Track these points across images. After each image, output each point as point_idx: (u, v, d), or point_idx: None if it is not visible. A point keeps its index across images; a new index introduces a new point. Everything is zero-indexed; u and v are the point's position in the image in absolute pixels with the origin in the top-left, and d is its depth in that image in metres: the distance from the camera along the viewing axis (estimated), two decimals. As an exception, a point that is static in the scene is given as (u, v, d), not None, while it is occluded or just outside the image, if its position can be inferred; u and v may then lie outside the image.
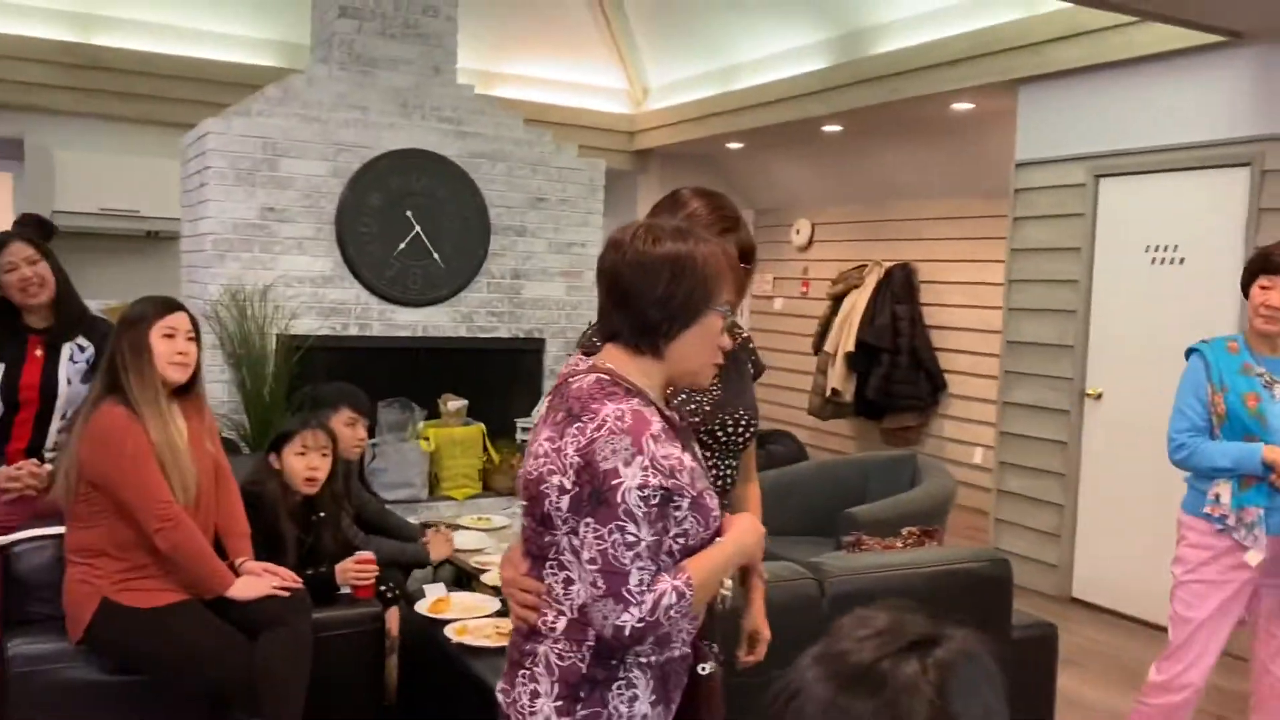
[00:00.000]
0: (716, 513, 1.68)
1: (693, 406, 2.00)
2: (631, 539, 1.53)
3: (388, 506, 4.43)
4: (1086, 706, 4.03)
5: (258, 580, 2.80)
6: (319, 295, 5.29)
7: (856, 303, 8.01)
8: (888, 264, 7.97)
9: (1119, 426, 5.18)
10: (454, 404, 5.28)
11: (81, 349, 3.30)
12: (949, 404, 7.74)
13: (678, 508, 1.59)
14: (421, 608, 3.00)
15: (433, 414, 5.37)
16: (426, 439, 5.19)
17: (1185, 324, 4.79)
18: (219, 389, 5.06)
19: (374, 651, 3.09)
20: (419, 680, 3.10)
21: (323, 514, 3.30)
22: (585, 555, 1.54)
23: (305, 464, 3.22)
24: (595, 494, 1.54)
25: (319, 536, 3.27)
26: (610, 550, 1.53)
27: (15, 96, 6.73)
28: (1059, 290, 5.46)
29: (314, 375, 4.88)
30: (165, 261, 6.91)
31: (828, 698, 0.87)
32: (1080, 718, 3.87)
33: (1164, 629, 4.85)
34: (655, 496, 1.55)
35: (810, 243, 9.12)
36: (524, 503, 1.68)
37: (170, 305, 2.81)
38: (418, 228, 5.40)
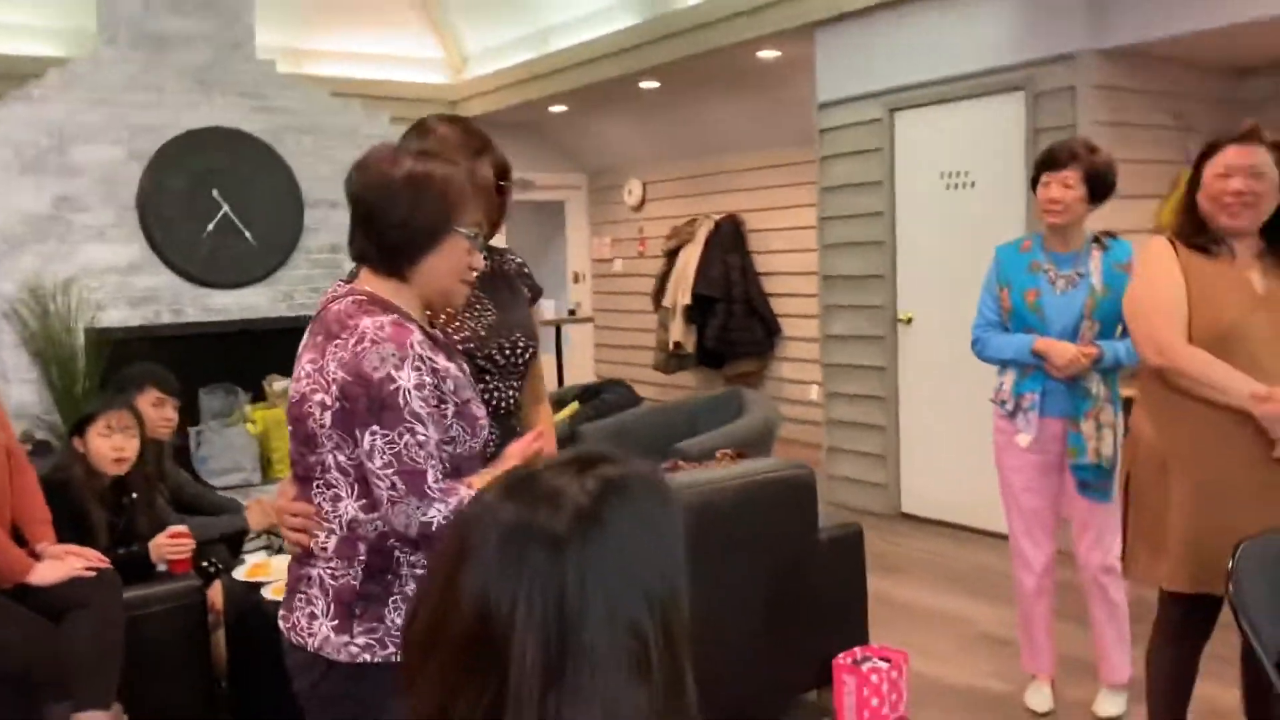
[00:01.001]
0: (484, 422, 1.73)
1: (467, 332, 2.04)
2: (422, 438, 1.56)
3: (219, 492, 4.35)
4: (913, 608, 4.28)
5: (59, 563, 2.72)
6: (127, 284, 5.11)
7: (690, 257, 8.19)
8: (716, 217, 8.17)
9: (930, 347, 5.47)
10: (280, 384, 5.19)
11: None
12: (785, 346, 8.01)
13: (444, 414, 1.63)
14: (240, 575, 2.97)
15: (259, 396, 5.27)
16: (253, 422, 5.09)
17: (979, 244, 5.06)
18: (26, 390, 4.85)
19: (195, 626, 3.04)
20: (248, 650, 3.07)
21: (134, 495, 3.22)
22: (378, 462, 1.56)
23: (111, 445, 3.13)
24: (375, 402, 1.56)
25: (132, 518, 3.19)
26: (404, 451, 1.56)
27: None
28: (866, 223, 5.71)
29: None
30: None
31: (489, 502, 0.93)
32: (906, 617, 4.11)
33: (987, 533, 5.20)
34: (433, 395, 1.59)
35: (643, 202, 9.25)
36: (290, 428, 1.70)
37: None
38: (225, 207, 5.26)
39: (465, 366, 1.81)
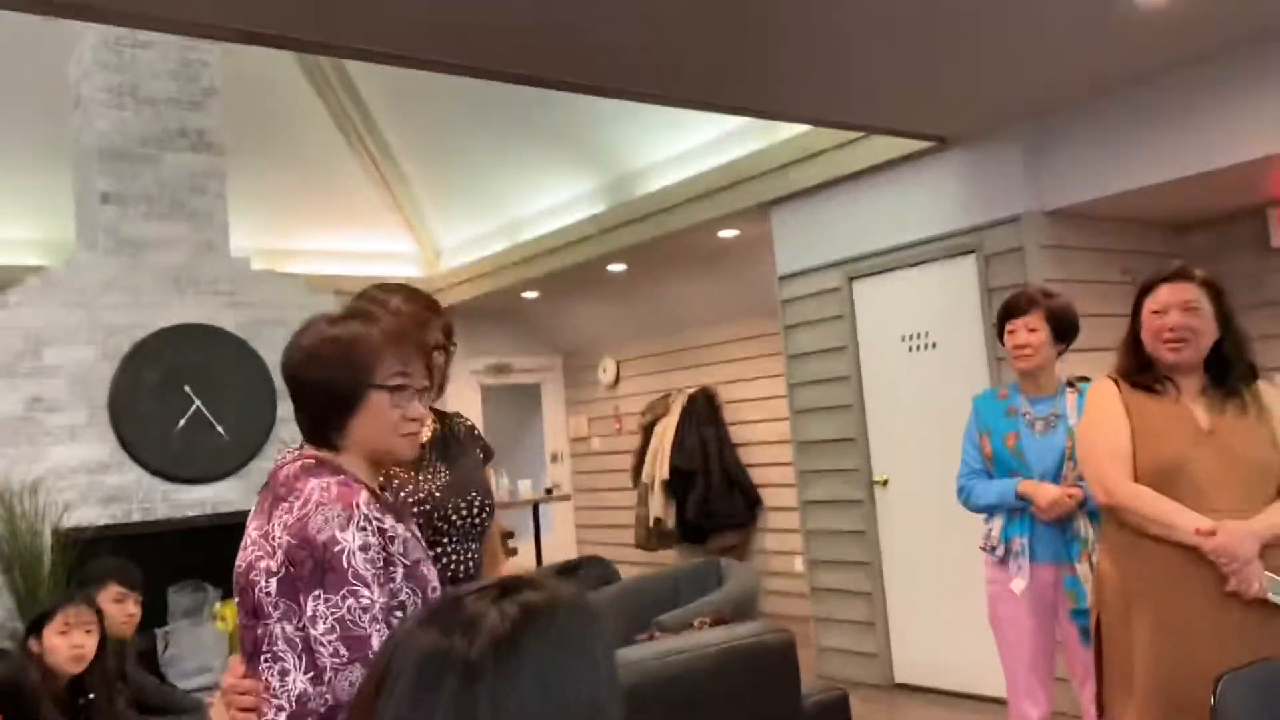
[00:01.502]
0: (435, 585, 1.70)
1: (421, 495, 2.04)
2: (366, 602, 1.52)
3: (190, 694, 4.19)
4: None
5: (6, 771, 2.60)
6: (96, 483, 5.07)
7: (666, 430, 8.23)
8: (690, 390, 8.26)
9: (909, 507, 5.45)
10: (252, 577, 5.08)
11: None
12: (767, 517, 7.95)
13: (392, 577, 1.60)
14: (199, 775, 2.83)
15: (230, 592, 5.15)
16: (224, 619, 4.96)
17: (945, 402, 5.15)
18: (-11, 597, 4.74)
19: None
20: None
21: (92, 695, 3.11)
22: (321, 628, 1.52)
23: (69, 642, 3.05)
24: (319, 565, 1.53)
25: (88, 721, 3.07)
26: (347, 616, 1.52)
27: None
28: (834, 388, 5.79)
29: (96, 567, 4.62)
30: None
31: (409, 628, 0.92)
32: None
33: (985, 698, 5.04)
34: (379, 557, 1.56)
35: (618, 380, 9.37)
36: (236, 599, 1.67)
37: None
38: (198, 402, 5.29)
39: (416, 529, 1.79)
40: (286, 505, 1.59)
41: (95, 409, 5.11)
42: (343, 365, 1.64)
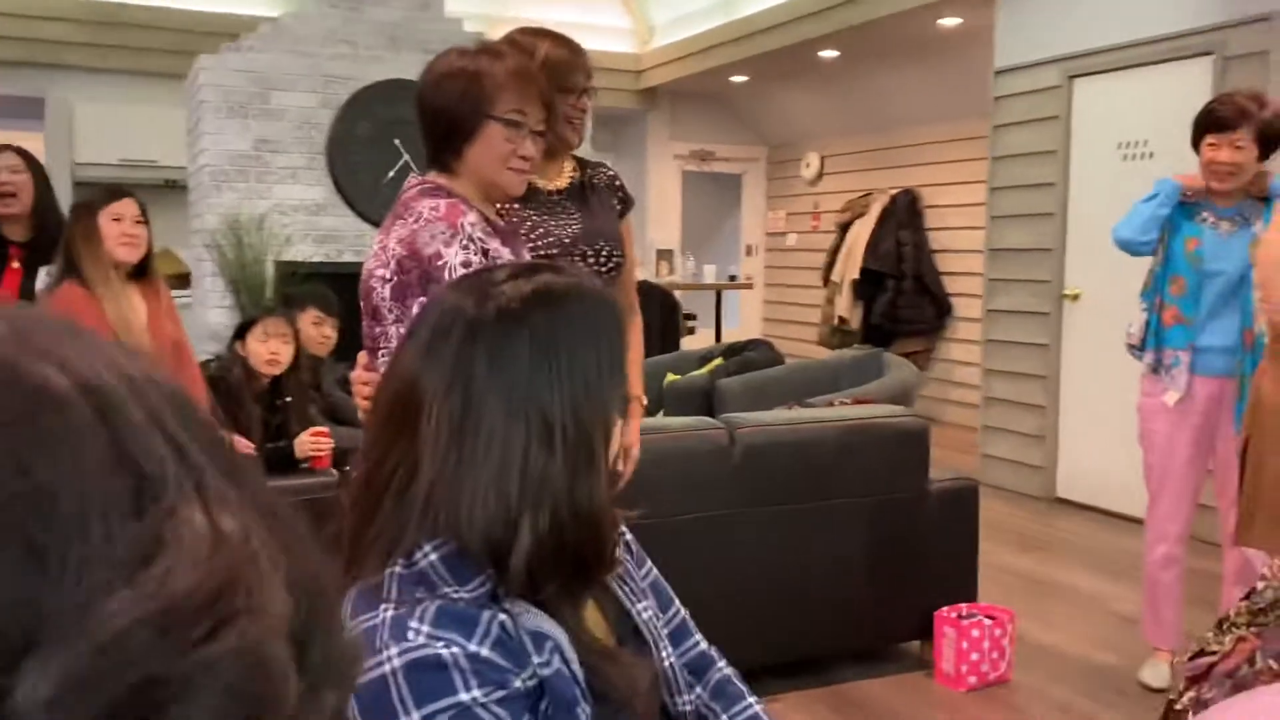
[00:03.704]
0: None
1: (551, 239, 2.15)
2: None
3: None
4: (1044, 582, 4.13)
5: (209, 444, 3.02)
6: (313, 223, 5.52)
7: (861, 231, 8.07)
8: (893, 190, 8.01)
9: (1097, 325, 5.22)
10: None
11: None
12: (956, 327, 7.79)
13: None
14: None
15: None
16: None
17: (1154, 217, 4.81)
18: (221, 314, 5.33)
19: (328, 518, 3.30)
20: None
21: (288, 399, 3.53)
22: None
23: (266, 348, 3.44)
24: (424, 275, 1.69)
25: (285, 420, 3.49)
26: None
27: (37, 54, 7.04)
28: (1037, 194, 5.50)
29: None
30: (182, 209, 7.20)
31: (445, 290, 1.08)
32: (1033, 589, 3.97)
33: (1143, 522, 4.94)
34: None
35: (820, 176, 9.17)
36: (361, 304, 1.85)
37: (118, 192, 3.03)
38: (406, 156, 5.58)
39: (526, 255, 1.92)
40: (403, 222, 1.74)
41: (314, 154, 5.49)
42: (465, 95, 1.73)
